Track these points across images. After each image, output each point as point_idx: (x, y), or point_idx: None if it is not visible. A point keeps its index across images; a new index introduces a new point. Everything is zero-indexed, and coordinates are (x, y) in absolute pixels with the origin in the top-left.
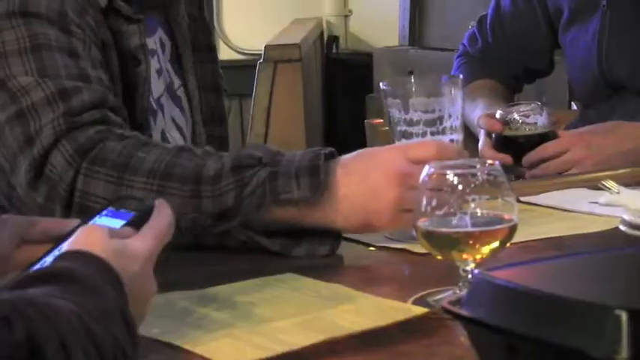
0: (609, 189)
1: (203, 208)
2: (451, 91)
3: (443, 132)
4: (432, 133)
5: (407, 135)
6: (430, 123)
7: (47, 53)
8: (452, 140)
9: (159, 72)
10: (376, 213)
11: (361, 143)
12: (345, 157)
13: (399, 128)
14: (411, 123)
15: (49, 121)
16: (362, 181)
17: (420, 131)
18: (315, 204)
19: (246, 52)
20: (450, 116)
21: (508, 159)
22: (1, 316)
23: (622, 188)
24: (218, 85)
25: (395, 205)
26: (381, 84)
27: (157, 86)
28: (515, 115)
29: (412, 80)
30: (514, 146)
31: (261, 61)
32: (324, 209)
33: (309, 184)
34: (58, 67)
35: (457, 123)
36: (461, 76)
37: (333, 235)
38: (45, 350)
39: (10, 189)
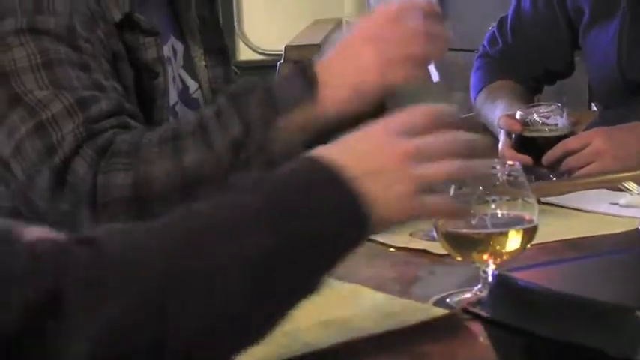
0: (629, 190)
1: (215, 147)
2: None
3: None
4: None
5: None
6: None
7: (59, 67)
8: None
9: (173, 80)
10: (362, 64)
11: None
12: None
13: None
14: None
15: (70, 130)
16: (340, 52)
17: None
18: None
19: (266, 52)
20: None
21: (528, 159)
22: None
23: None
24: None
25: (376, 50)
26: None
27: (171, 95)
28: (535, 116)
29: None
30: (534, 147)
31: (282, 61)
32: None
33: (302, 86)
34: (72, 79)
35: None
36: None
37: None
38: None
39: (27, 201)
